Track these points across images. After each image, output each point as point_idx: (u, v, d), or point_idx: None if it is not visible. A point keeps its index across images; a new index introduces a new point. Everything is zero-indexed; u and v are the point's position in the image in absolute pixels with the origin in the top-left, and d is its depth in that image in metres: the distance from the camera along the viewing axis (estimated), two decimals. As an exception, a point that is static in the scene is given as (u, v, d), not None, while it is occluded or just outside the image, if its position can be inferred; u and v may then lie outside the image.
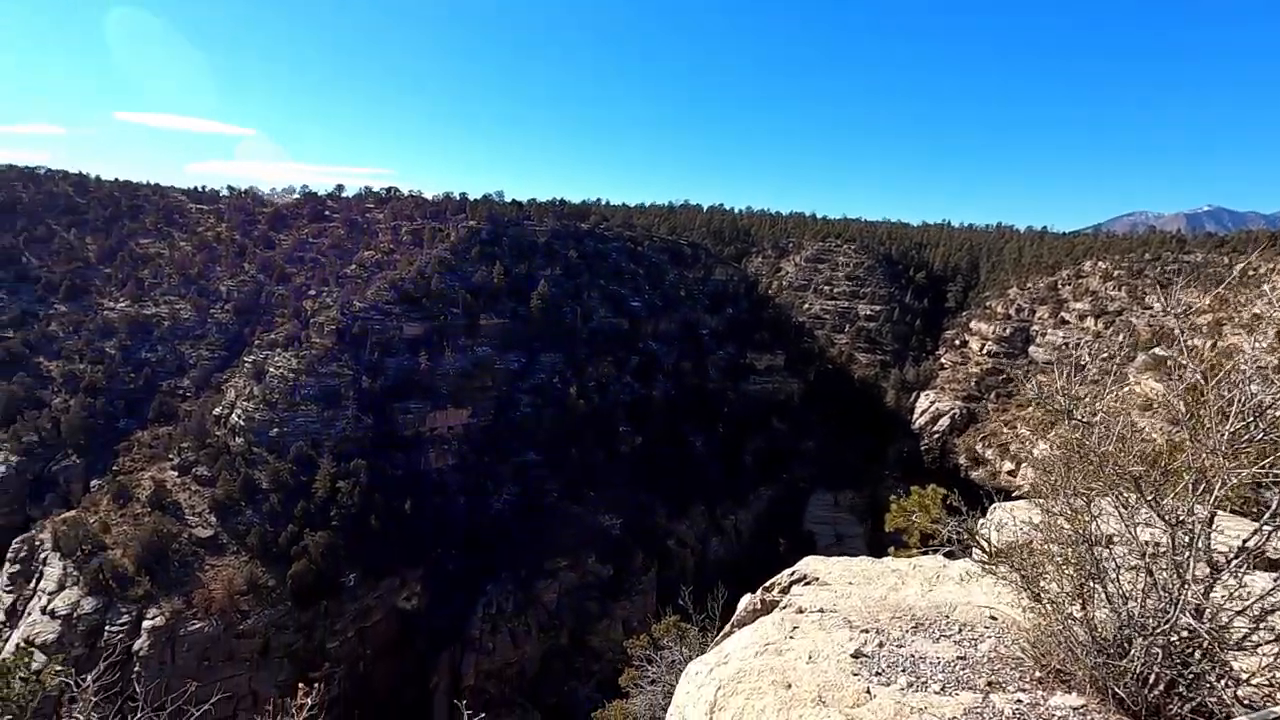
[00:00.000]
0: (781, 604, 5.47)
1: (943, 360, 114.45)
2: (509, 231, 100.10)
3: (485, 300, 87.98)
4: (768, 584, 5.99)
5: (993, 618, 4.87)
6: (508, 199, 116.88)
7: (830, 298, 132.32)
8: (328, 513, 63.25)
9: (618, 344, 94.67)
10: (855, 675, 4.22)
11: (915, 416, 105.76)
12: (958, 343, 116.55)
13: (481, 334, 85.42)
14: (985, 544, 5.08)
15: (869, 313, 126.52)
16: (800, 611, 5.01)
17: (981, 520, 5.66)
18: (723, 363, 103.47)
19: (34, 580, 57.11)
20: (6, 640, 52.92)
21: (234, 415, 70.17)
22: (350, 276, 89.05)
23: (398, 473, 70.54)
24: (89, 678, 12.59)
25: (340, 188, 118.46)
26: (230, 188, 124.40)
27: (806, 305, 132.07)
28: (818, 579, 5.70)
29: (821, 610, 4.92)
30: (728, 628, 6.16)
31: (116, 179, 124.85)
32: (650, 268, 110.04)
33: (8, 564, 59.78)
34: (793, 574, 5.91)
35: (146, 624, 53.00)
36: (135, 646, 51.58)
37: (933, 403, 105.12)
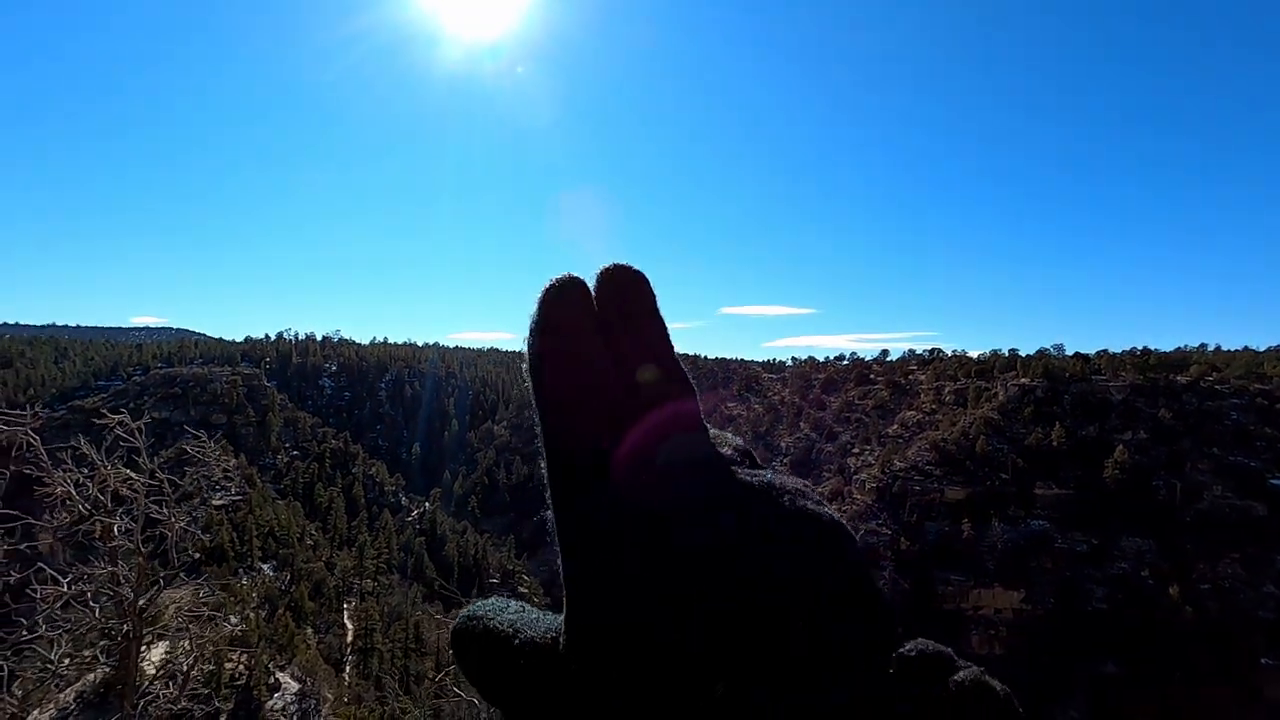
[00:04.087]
0: None
1: None
2: (1071, 388, 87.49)
3: (1041, 466, 77.44)
4: None
5: None
6: (1069, 352, 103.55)
7: None
8: (861, 675, 62.33)
9: (1248, 535, 68.90)
10: None
11: None
12: None
13: (1037, 505, 74.72)
14: None
15: None
16: None
17: None
18: None
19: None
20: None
21: (784, 559, 77.76)
22: (891, 436, 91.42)
23: (935, 649, 65.05)
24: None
25: (885, 352, 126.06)
26: (794, 358, 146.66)
27: None
28: None
29: None
30: None
31: (717, 357, 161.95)
32: (1301, 432, 78.76)
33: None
34: None
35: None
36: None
37: None
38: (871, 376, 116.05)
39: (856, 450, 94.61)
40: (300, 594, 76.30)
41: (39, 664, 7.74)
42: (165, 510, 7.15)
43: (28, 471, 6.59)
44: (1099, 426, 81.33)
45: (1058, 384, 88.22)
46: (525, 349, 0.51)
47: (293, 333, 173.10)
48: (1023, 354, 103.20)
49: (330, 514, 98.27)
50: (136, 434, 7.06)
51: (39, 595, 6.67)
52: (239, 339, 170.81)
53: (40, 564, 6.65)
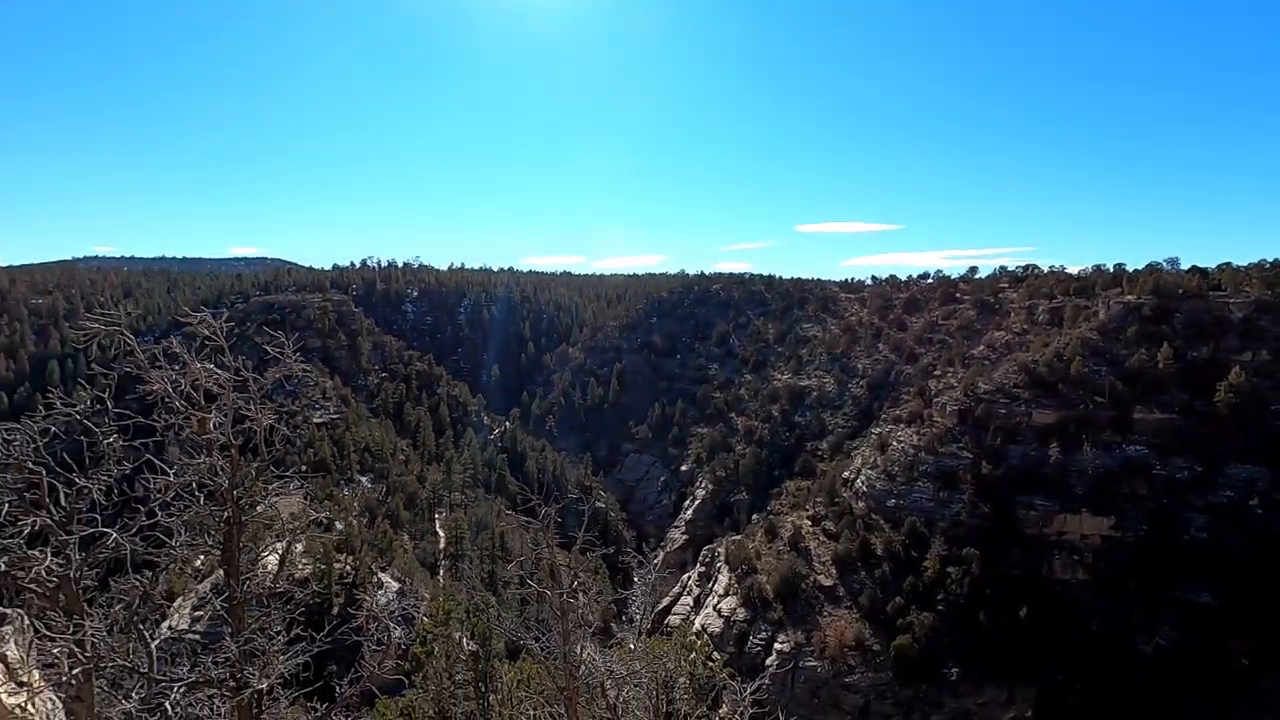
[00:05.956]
0: None
1: None
2: (1183, 306, 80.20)
3: (1143, 389, 72.46)
4: None
5: None
6: (1184, 266, 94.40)
7: None
8: (934, 595, 62.33)
9: (1381, 465, 62.98)
10: None
11: None
12: None
13: (1135, 430, 70.43)
14: None
15: None
16: None
17: None
18: None
19: (712, 582, 75.05)
20: (693, 621, 70.93)
21: (859, 480, 77.20)
22: (977, 358, 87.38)
23: (1014, 573, 63.97)
24: (747, 687, 15.62)
25: (973, 269, 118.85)
26: (874, 277, 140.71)
27: None
28: None
29: None
30: None
31: (792, 277, 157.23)
32: None
33: (699, 565, 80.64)
34: None
35: (777, 646, 62.69)
36: (767, 662, 61.54)
37: None
38: (958, 295, 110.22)
39: (939, 372, 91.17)
40: (396, 505, 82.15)
41: (164, 551, 8.57)
42: (252, 407, 7.63)
43: (129, 370, 7.17)
44: (1213, 347, 74.77)
45: (1168, 301, 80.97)
46: None
47: (375, 260, 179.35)
48: (1130, 269, 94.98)
49: (419, 432, 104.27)
50: (219, 333, 7.44)
51: (152, 485, 7.36)
52: (327, 267, 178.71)
53: (149, 456, 7.34)
